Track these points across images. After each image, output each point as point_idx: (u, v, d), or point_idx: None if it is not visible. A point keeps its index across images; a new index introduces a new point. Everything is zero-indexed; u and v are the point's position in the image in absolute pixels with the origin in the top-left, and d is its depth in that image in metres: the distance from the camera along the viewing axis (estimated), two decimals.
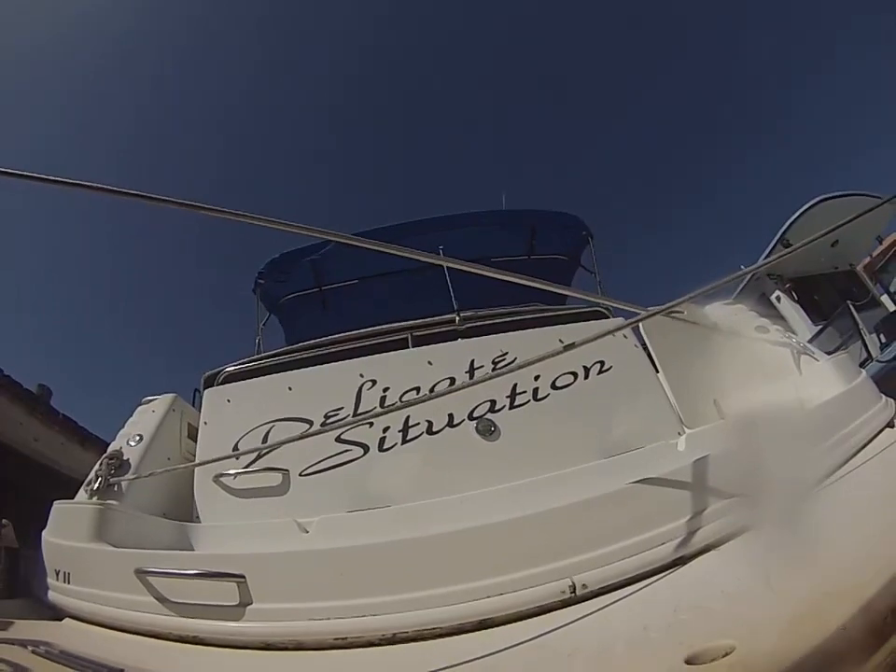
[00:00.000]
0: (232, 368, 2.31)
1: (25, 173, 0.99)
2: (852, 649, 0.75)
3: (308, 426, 1.94)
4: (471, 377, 2.00)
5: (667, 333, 2.13)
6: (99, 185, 1.04)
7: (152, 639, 1.25)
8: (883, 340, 6.01)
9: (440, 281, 2.84)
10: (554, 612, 1.10)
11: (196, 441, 2.13)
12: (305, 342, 2.39)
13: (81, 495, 1.75)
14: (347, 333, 2.35)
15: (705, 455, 1.35)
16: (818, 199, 7.17)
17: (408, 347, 2.22)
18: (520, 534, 1.25)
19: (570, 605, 1.11)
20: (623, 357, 2.10)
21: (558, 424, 1.96)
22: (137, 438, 2.00)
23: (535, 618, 1.09)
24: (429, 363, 2.08)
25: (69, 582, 1.47)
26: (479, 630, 1.09)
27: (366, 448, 1.89)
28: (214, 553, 1.61)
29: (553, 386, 2.00)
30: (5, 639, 1.20)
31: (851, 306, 6.33)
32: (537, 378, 1.98)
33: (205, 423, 2.11)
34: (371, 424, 1.90)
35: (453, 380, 1.99)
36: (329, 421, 1.96)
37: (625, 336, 2.14)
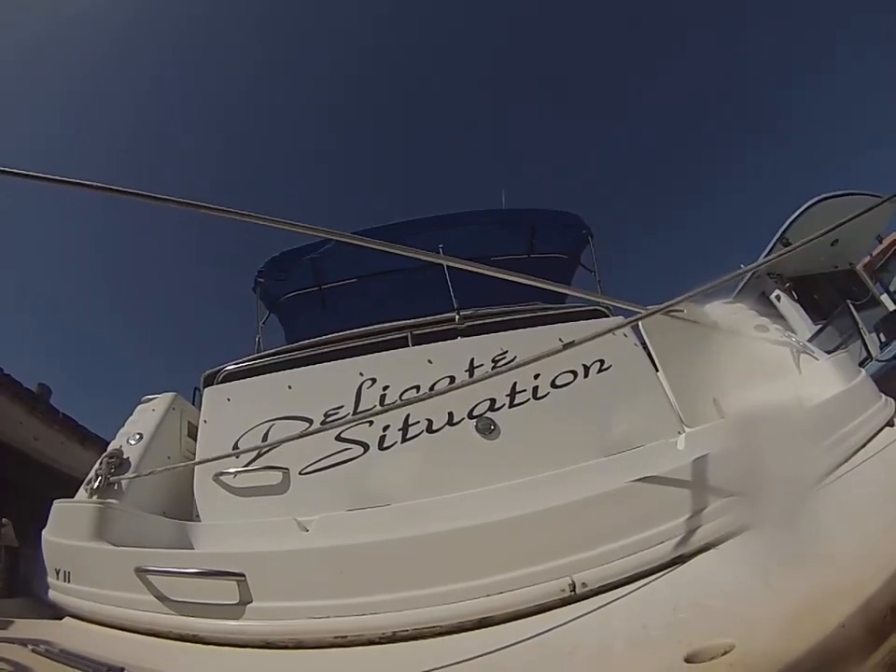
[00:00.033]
0: (232, 366, 2.31)
1: (25, 172, 0.98)
2: (851, 647, 0.76)
3: (308, 424, 1.94)
4: (471, 376, 2.00)
5: (667, 332, 2.14)
6: (99, 184, 1.04)
7: (152, 638, 1.25)
8: (883, 339, 6.01)
9: (439, 280, 2.83)
10: (554, 611, 1.10)
11: (196, 440, 2.13)
12: (305, 340, 2.39)
13: (81, 493, 1.75)
14: (347, 332, 2.35)
15: (704, 453, 1.35)
16: (817, 198, 7.16)
17: (408, 346, 2.22)
18: (519, 532, 1.25)
19: (570, 603, 1.11)
20: (622, 355, 2.10)
21: (558, 422, 1.96)
22: (137, 436, 2.00)
23: (534, 616, 1.09)
24: (429, 362, 2.08)
25: (69, 581, 1.47)
26: (479, 628, 1.10)
27: (366, 447, 1.89)
28: (214, 551, 1.61)
29: (553, 385, 2.00)
30: (5, 638, 1.20)
31: (851, 305, 6.32)
32: (536, 377, 1.98)
33: (205, 421, 2.11)
34: (371, 422, 1.90)
35: (452, 378, 1.99)
36: (328, 419, 1.96)
37: (625, 335, 2.14)
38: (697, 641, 0.80)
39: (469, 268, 1.30)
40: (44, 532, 1.62)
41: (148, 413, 2.17)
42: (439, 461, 1.88)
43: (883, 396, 1.78)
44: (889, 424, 1.64)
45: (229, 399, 2.15)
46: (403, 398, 1.96)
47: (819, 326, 6.94)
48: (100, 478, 1.74)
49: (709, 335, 2.02)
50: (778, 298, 7.60)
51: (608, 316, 2.30)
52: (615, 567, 1.16)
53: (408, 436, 1.90)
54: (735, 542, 1.19)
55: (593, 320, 2.26)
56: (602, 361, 2.06)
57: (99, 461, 1.84)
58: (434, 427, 1.91)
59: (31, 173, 0.99)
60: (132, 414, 2.21)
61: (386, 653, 1.08)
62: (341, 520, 1.71)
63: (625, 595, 1.10)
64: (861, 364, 5.49)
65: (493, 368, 2.03)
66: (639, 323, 2.08)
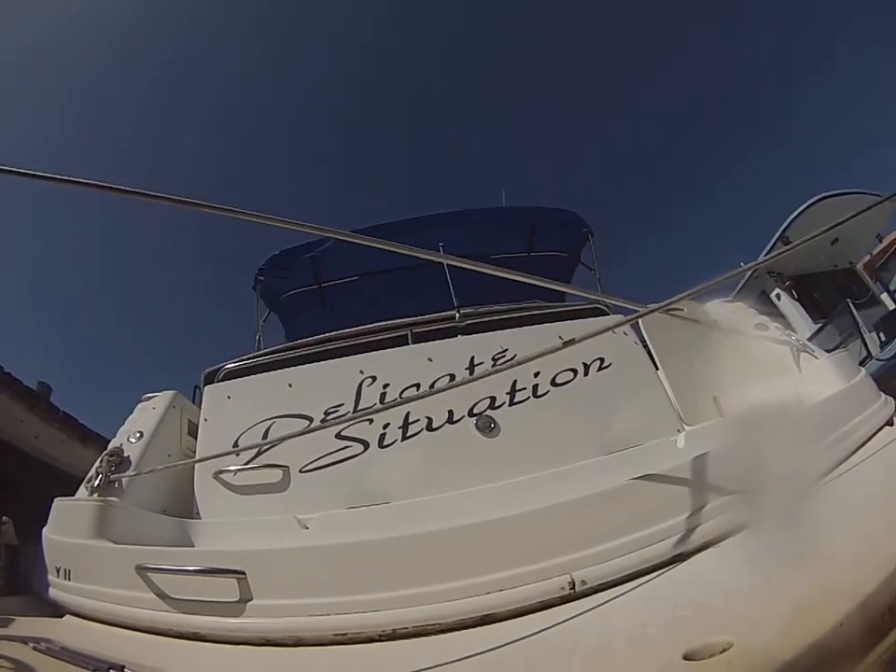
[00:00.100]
0: (233, 365, 2.32)
1: (25, 171, 0.98)
2: (849, 645, 0.76)
3: (308, 422, 1.94)
4: (471, 374, 2.00)
5: (667, 330, 2.13)
6: (99, 183, 1.04)
7: (153, 636, 1.25)
8: (882, 338, 6.02)
9: (439, 278, 2.83)
10: (554, 608, 1.10)
11: (196, 438, 2.13)
12: (305, 338, 2.39)
13: (82, 492, 1.75)
14: (347, 330, 2.36)
15: (704, 452, 1.36)
16: (818, 197, 7.16)
17: (408, 344, 2.22)
18: (519, 530, 1.25)
19: (570, 601, 1.11)
20: (622, 353, 2.10)
21: (558, 420, 1.96)
22: (138, 435, 2.00)
23: (535, 614, 1.10)
24: (429, 360, 2.08)
25: (70, 579, 1.47)
26: (480, 626, 1.10)
27: (366, 444, 1.89)
28: (214, 549, 1.61)
29: (553, 383, 2.00)
30: (5, 636, 1.20)
31: (851, 304, 6.33)
32: (536, 375, 1.98)
33: (206, 419, 2.11)
34: (371, 420, 1.90)
35: (452, 376, 1.99)
36: (329, 417, 1.96)
37: (625, 333, 2.14)
38: (696, 639, 0.80)
39: (469, 266, 1.31)
40: (44, 530, 1.63)
41: (149, 412, 2.18)
42: (439, 459, 1.88)
43: (883, 395, 1.79)
44: (889, 423, 1.64)
45: (229, 397, 2.15)
46: (403, 396, 1.96)
47: (819, 325, 6.95)
48: (100, 476, 1.74)
49: (709, 334, 2.02)
50: (778, 296, 7.60)
51: (607, 315, 2.30)
52: (615, 564, 1.16)
53: (408, 434, 1.90)
54: (735, 541, 1.19)
55: (592, 318, 2.25)
56: (602, 359, 2.06)
57: (99, 459, 1.84)
58: (434, 425, 1.91)
59: (31, 172, 0.99)
60: (132, 413, 2.22)
61: (387, 651, 1.08)
62: (341, 518, 1.71)
63: (625, 592, 1.10)
64: (861, 363, 5.50)
65: (493, 366, 2.02)
66: (639, 321, 2.08)
